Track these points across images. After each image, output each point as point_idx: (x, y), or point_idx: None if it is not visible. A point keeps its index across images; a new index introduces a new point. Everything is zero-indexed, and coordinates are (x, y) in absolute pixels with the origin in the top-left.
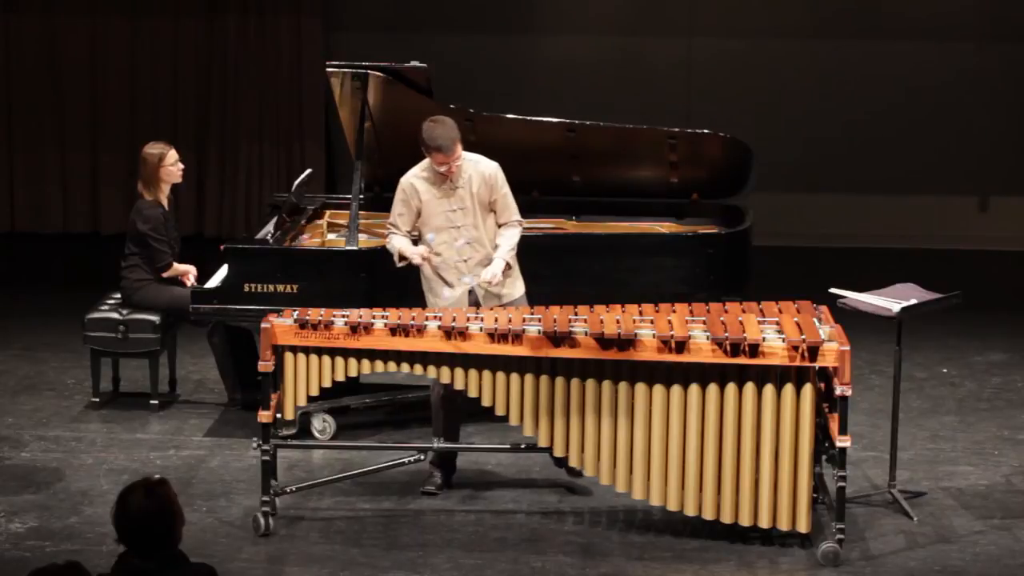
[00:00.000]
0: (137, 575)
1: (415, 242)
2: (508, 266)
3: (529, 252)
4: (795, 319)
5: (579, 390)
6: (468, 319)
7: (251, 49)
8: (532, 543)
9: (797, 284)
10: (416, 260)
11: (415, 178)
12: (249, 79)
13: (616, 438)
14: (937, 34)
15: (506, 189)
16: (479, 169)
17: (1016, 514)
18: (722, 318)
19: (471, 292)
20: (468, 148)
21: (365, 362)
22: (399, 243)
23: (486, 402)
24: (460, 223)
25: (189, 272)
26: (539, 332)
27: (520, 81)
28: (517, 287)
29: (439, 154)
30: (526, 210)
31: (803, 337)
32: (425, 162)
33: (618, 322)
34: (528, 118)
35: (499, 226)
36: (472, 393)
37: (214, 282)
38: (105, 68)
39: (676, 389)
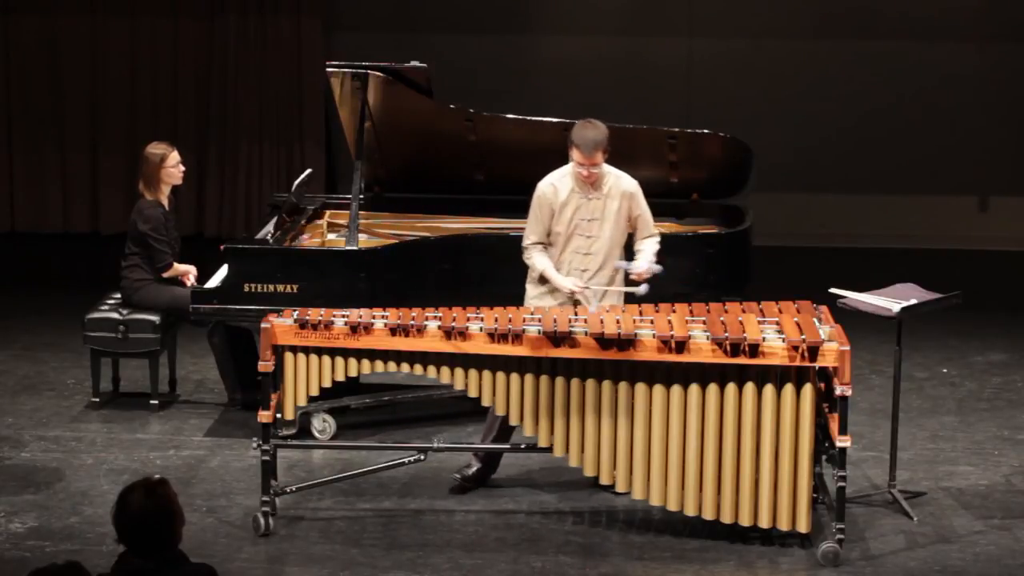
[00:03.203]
0: (137, 575)
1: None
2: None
3: None
4: (795, 319)
5: (579, 390)
6: (468, 319)
7: (251, 49)
8: (532, 543)
9: (797, 284)
10: (566, 291)
11: (556, 180)
12: (249, 79)
13: (616, 438)
14: (937, 34)
15: (645, 205)
16: (621, 185)
17: (1016, 514)
18: (722, 318)
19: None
20: (468, 148)
21: (365, 362)
22: (543, 264)
23: (486, 402)
24: (592, 233)
25: (189, 272)
26: (539, 332)
27: (520, 81)
28: (620, 299)
29: (577, 151)
30: (526, 210)
31: (803, 337)
32: (566, 167)
33: (618, 322)
34: (528, 118)
35: (636, 241)
36: (472, 393)
37: (214, 282)
38: (105, 68)
39: (676, 389)
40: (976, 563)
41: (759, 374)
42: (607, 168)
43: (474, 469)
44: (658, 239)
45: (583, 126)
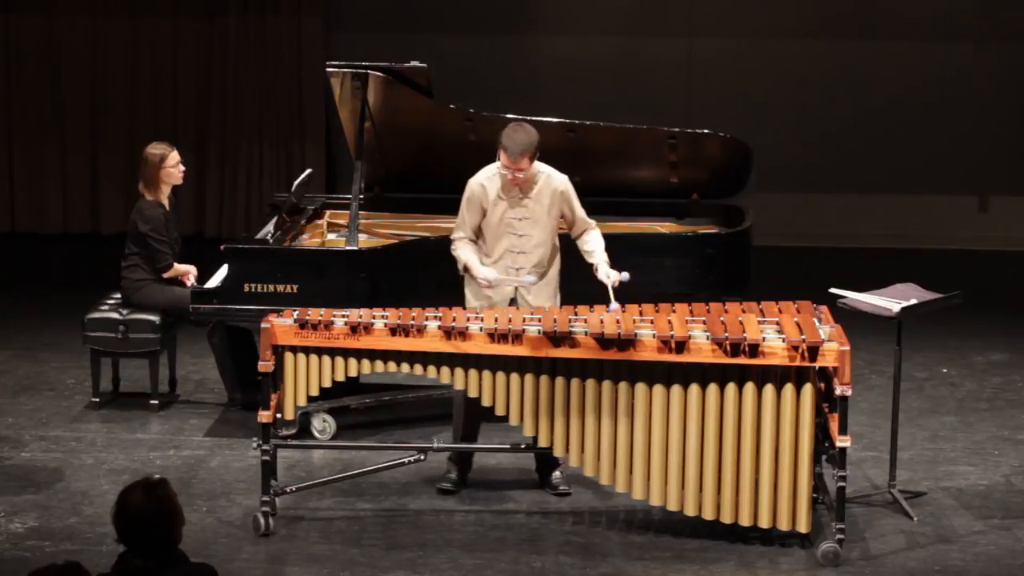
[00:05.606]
0: (137, 575)
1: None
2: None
3: None
4: (795, 319)
5: (579, 390)
6: (468, 319)
7: (251, 49)
8: (532, 543)
9: (797, 284)
10: (481, 283)
11: (486, 179)
12: (249, 79)
13: (616, 438)
14: (937, 34)
15: (577, 201)
16: (551, 183)
17: (1016, 514)
18: (722, 318)
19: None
20: (468, 148)
21: (365, 362)
22: (467, 255)
23: (486, 402)
24: (523, 232)
25: (189, 272)
26: (539, 332)
27: (520, 81)
28: (556, 300)
29: (503, 154)
30: None
31: (803, 337)
32: (496, 164)
33: (618, 322)
34: (528, 118)
35: (575, 238)
36: (472, 393)
37: (214, 282)
38: (105, 68)
39: (676, 389)
40: (976, 563)
41: (759, 374)
42: (538, 166)
43: (454, 475)
44: (599, 230)
45: (514, 129)
